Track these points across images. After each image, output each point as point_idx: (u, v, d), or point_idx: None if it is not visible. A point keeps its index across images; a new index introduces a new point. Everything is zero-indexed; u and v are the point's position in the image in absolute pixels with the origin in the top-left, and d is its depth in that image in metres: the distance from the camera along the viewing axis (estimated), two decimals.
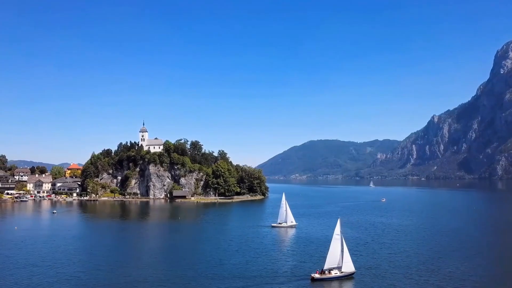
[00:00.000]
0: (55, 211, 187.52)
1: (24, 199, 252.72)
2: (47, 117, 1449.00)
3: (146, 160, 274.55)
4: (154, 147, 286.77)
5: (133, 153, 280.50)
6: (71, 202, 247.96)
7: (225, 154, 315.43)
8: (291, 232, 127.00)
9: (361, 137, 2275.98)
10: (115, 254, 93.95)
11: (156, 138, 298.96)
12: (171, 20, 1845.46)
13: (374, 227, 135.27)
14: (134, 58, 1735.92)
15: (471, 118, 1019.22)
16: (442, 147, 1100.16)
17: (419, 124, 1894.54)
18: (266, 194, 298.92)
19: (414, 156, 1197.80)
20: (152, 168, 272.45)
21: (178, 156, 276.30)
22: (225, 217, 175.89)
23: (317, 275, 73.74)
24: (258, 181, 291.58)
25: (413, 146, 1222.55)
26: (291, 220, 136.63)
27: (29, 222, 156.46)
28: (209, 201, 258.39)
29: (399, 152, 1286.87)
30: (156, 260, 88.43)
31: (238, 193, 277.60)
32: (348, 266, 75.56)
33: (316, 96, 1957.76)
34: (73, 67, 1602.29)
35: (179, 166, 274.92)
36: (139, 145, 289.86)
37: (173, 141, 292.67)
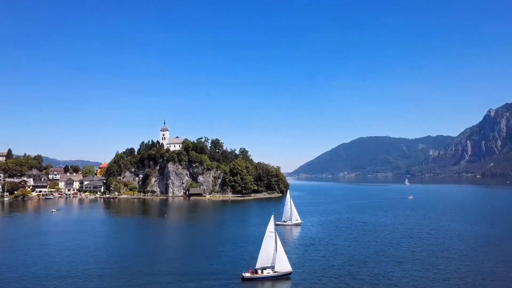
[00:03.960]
0: (53, 210, 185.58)
1: (49, 197, 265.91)
2: (91, 118, 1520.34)
3: (165, 158, 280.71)
4: (174, 146, 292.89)
5: (153, 152, 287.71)
6: (94, 200, 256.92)
7: (246, 152, 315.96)
8: (294, 230, 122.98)
9: (413, 133, 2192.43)
10: (52, 252, 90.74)
11: (177, 137, 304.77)
12: (188, 26, 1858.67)
13: (347, 226, 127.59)
14: (159, 63, 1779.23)
15: None
16: (499, 142, 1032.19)
17: (475, 119, 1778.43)
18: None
19: (469, 153, 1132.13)
20: (171, 166, 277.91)
21: (196, 154, 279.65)
22: (229, 214, 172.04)
23: (248, 274, 70.65)
24: (276, 178, 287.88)
25: (468, 142, 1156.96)
26: (296, 218, 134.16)
27: (23, 221, 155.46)
28: (221, 198, 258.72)
29: (453, 149, 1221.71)
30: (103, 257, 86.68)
31: (255, 191, 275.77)
32: (283, 266, 71.47)
33: (365, 92, 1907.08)
34: (104, 72, 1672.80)
35: (197, 164, 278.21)
36: (160, 143, 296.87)
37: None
